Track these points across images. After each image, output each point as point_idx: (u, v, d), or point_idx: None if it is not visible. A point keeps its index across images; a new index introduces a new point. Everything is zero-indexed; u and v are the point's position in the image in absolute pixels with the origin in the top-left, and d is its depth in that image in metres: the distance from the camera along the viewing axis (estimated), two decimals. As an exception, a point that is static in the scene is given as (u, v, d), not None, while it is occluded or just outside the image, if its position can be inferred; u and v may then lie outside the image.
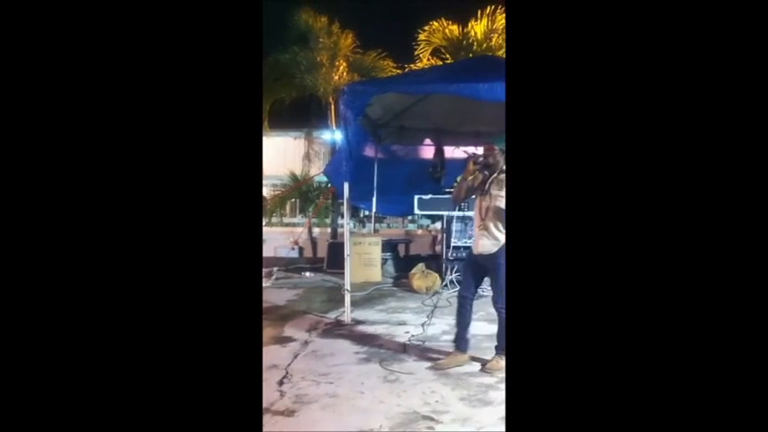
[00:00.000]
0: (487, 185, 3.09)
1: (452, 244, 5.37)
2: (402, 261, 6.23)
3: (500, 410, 2.52)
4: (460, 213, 5.29)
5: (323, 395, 2.70)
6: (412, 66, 8.65)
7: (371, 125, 5.87)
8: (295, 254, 6.94)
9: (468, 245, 5.35)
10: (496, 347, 3.11)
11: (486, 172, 3.10)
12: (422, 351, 3.42)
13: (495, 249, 3.05)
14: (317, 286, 5.59)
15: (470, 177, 3.15)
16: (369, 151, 6.18)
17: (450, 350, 3.42)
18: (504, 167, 3.08)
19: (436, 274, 5.28)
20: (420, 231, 6.77)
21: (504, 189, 3.02)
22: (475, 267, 3.20)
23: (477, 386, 2.83)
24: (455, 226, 5.36)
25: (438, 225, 6.25)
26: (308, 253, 7.27)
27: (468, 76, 4.29)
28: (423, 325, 3.99)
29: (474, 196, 3.21)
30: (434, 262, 5.62)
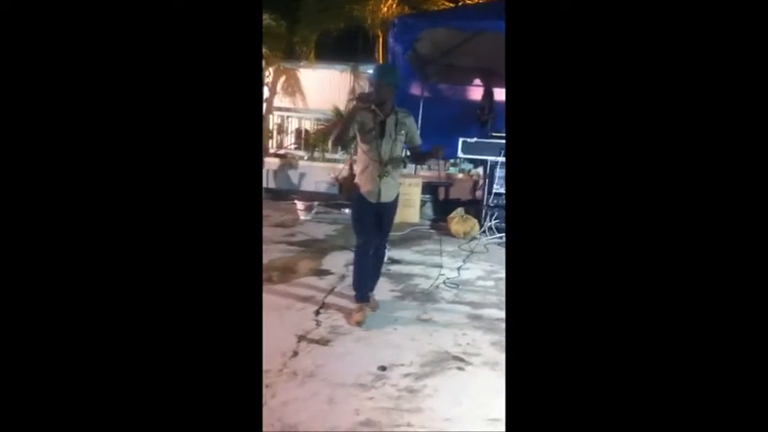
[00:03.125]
0: (387, 129, 2.80)
1: (494, 190, 5.27)
2: (441, 204, 6.18)
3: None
4: (505, 159, 5.15)
5: (357, 328, 2.78)
6: (465, 0, 8.19)
7: (419, 61, 5.67)
8: (335, 190, 6.99)
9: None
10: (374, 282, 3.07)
11: (378, 113, 2.77)
12: (456, 294, 3.45)
13: (395, 196, 2.95)
14: (355, 223, 5.65)
15: (358, 118, 2.79)
16: (415, 89, 6.01)
17: (486, 295, 3.45)
18: (396, 108, 2.82)
19: (475, 220, 5.22)
20: (461, 175, 6.64)
21: (405, 131, 2.83)
22: (373, 216, 2.90)
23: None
24: (498, 172, 5.23)
25: (480, 170, 6.11)
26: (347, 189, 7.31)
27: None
28: (458, 269, 4.00)
29: (366, 140, 2.83)
30: (474, 207, 5.55)
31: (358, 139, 2.86)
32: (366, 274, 2.97)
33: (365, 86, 7.85)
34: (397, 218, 5.11)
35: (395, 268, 3.93)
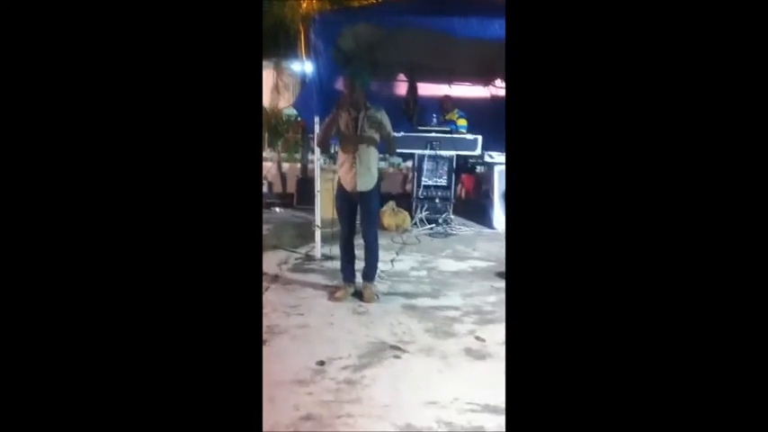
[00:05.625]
0: (359, 124, 3.07)
1: (423, 183, 5.40)
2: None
3: (463, 341, 2.66)
4: (432, 152, 5.28)
5: (293, 326, 2.77)
6: (386, -5, 8.26)
7: (343, 57, 5.67)
8: (264, 189, 6.86)
9: (439, 184, 5.40)
10: (365, 276, 3.25)
11: (351, 111, 3.06)
12: (390, 285, 3.52)
13: (372, 186, 3.15)
14: (286, 222, 5.59)
15: (337, 119, 3.10)
16: (340, 84, 6.00)
17: (419, 284, 3.54)
18: (368, 104, 3.09)
19: (406, 213, 5.33)
20: (391, 170, 6.74)
21: (379, 128, 3.08)
22: (351, 205, 3.20)
23: (441, 319, 2.95)
24: (426, 165, 5.36)
25: (409, 163, 6.23)
26: (277, 188, 7.18)
27: (444, 9, 4.15)
28: (391, 261, 4.08)
29: (343, 137, 3.15)
30: (405, 200, 5.66)
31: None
32: (347, 258, 3.26)
33: (289, 84, 7.74)
34: (329, 213, 5.11)
35: (329, 264, 3.94)
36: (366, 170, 3.12)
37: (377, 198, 3.28)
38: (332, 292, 3.25)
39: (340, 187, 3.20)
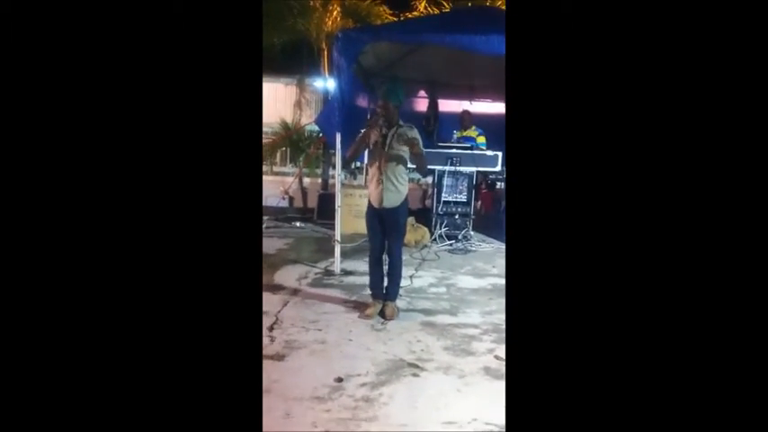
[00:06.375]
0: (388, 141, 3.11)
1: (443, 199, 5.40)
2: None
3: (482, 360, 2.63)
4: (452, 168, 5.29)
5: (312, 341, 2.78)
6: (407, 13, 8.37)
7: (364, 74, 5.74)
8: (285, 203, 6.93)
9: (459, 200, 5.39)
10: (387, 293, 3.23)
11: (383, 128, 3.11)
12: (410, 302, 3.51)
13: (399, 203, 3.16)
14: (306, 236, 5.63)
15: (369, 136, 3.15)
16: (361, 101, 6.08)
17: (438, 301, 3.52)
18: (401, 122, 3.14)
19: (425, 228, 5.33)
20: (411, 185, 6.75)
21: (408, 144, 3.08)
22: (378, 221, 3.23)
23: (460, 337, 2.93)
24: (446, 181, 5.36)
25: (429, 180, 6.25)
26: (297, 203, 7.26)
27: (465, 27, 4.19)
28: (410, 277, 4.07)
29: (372, 153, 3.21)
30: (424, 216, 5.66)
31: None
32: (377, 274, 3.28)
33: (311, 99, 7.87)
34: (349, 229, 5.15)
35: (348, 279, 3.95)
36: (393, 187, 3.13)
37: (404, 215, 3.26)
38: (362, 310, 3.24)
39: (370, 203, 3.24)
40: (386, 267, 3.29)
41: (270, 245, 5.11)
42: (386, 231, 3.22)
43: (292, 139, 7.99)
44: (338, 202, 4.32)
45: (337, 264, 4.20)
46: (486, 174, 5.68)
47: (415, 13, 8.32)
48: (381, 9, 8.44)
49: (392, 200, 3.14)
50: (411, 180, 6.82)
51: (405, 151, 3.13)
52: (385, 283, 3.27)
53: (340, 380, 2.34)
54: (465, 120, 6.09)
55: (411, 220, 5.36)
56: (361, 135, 3.23)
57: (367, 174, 5.36)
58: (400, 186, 3.17)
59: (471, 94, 7.03)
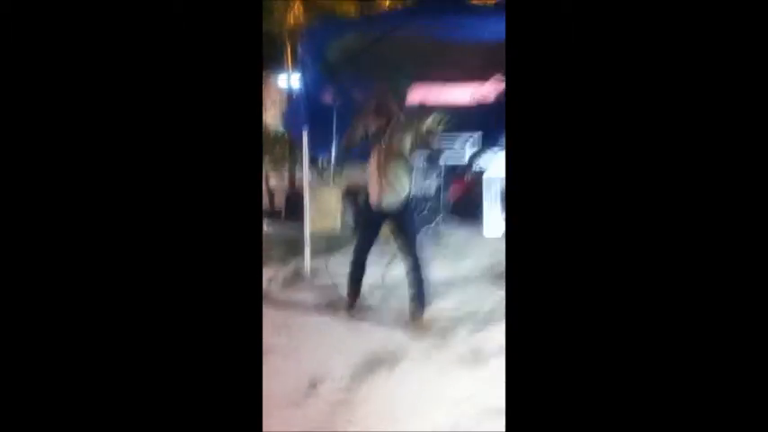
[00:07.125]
0: (388, 131, 2.81)
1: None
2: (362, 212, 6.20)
3: (456, 353, 2.61)
4: (422, 162, 5.27)
5: (283, 345, 2.71)
6: (374, 5, 8.30)
7: (330, 70, 5.67)
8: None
9: (428, 195, 5.38)
10: (413, 301, 2.93)
11: (378, 118, 2.81)
12: (382, 299, 3.47)
13: (397, 202, 2.87)
14: (274, 237, 5.52)
15: (368, 123, 2.87)
16: (327, 98, 6.01)
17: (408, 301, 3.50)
18: (402, 114, 2.86)
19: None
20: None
21: (409, 136, 2.79)
22: (371, 218, 2.96)
23: (436, 328, 2.91)
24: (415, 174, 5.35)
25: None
26: (264, 203, 7.13)
27: (432, 17, 4.16)
28: (382, 276, 4.02)
29: (370, 143, 2.91)
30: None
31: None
32: (354, 276, 3.05)
33: (276, 99, 7.72)
34: (318, 228, 5.06)
35: (318, 279, 3.88)
36: (390, 184, 2.82)
37: (410, 219, 2.91)
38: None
39: (366, 198, 2.99)
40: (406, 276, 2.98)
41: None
42: (396, 241, 2.97)
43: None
44: (306, 200, 4.25)
45: (307, 264, 4.13)
46: (454, 166, 5.70)
47: (381, 4, 8.23)
48: (347, 3, 8.33)
49: (390, 199, 2.87)
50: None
51: (405, 146, 2.83)
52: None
53: (314, 384, 2.28)
54: (422, 111, 6.07)
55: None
56: (350, 128, 2.99)
57: (335, 169, 5.30)
58: (397, 185, 2.85)
59: (441, 82, 7.02)
